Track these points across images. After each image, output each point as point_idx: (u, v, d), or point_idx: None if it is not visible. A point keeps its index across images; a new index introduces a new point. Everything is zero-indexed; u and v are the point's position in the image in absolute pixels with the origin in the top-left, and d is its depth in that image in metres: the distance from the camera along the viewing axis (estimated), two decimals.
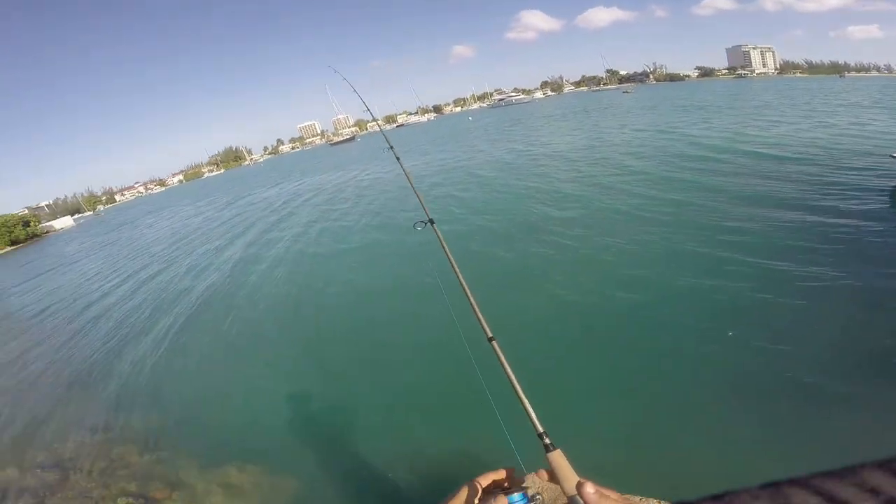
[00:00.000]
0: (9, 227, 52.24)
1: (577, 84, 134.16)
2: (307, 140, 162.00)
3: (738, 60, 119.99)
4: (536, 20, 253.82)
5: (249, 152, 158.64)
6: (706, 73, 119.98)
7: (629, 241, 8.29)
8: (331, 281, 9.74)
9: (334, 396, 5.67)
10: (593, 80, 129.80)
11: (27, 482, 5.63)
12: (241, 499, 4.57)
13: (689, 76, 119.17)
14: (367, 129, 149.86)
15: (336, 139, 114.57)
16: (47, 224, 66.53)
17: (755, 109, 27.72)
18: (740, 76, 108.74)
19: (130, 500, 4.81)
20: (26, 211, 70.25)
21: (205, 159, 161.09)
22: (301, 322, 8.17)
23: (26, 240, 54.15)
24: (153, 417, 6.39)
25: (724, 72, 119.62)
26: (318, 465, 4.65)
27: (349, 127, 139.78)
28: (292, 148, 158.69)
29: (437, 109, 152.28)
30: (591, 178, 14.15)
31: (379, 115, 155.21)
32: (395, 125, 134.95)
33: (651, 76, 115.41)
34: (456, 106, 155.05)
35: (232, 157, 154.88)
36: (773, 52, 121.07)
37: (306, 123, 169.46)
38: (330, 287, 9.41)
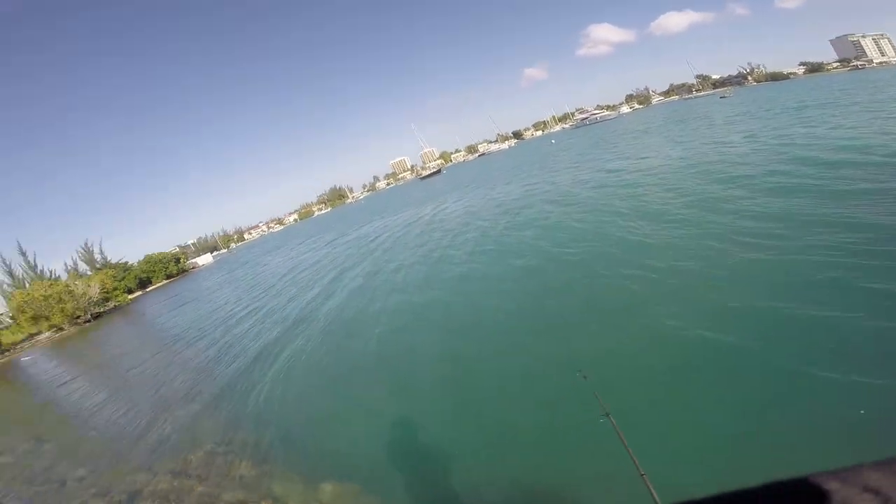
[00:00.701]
0: (165, 264, 64.22)
1: (666, 94, 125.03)
2: (399, 175, 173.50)
3: (848, 51, 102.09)
4: (606, 33, 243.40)
5: (351, 190, 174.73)
6: (814, 68, 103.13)
7: (739, 269, 7.17)
8: (435, 315, 9.56)
9: (434, 430, 5.62)
10: (683, 88, 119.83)
11: (157, 485, 6.45)
12: None
13: (794, 74, 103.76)
14: (451, 160, 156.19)
15: (424, 173, 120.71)
16: (192, 261, 79.86)
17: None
18: (857, 68, 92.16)
19: None
20: (177, 249, 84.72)
21: (314, 198, 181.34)
22: (408, 355, 8.08)
23: (177, 274, 65.39)
24: (267, 434, 6.90)
25: (834, 65, 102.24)
26: (410, 492, 4.73)
27: (435, 160, 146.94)
28: (387, 184, 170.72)
29: (516, 135, 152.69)
30: (694, 195, 12.49)
31: (461, 146, 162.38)
32: (476, 155, 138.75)
33: (749, 77, 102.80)
34: (536, 129, 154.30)
35: (336, 196, 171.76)
36: (888, 39, 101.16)
37: (397, 159, 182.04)
38: (435, 320, 9.23)
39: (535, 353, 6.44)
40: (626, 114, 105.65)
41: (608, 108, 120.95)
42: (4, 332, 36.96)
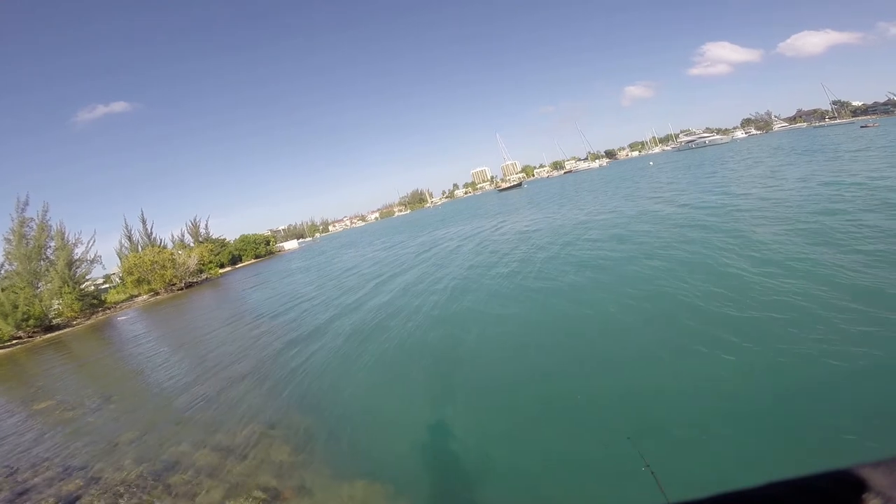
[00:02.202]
0: (256, 245, 70.00)
1: (792, 120, 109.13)
2: (478, 185, 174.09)
3: None
4: (725, 52, 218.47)
5: (430, 195, 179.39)
6: None
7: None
8: (493, 326, 9.19)
9: (480, 442, 5.36)
10: (814, 115, 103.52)
11: (198, 459, 6.47)
12: None
13: None
14: (533, 174, 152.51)
15: (504, 185, 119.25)
16: (280, 245, 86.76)
17: None
18: None
19: (263, 494, 5.27)
20: (269, 232, 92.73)
21: (396, 199, 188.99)
22: (466, 365, 7.79)
23: (266, 255, 71.43)
24: (313, 422, 6.92)
25: None
26: (442, 494, 4.63)
27: (517, 173, 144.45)
28: (465, 193, 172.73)
29: (609, 154, 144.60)
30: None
31: (546, 161, 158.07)
32: (562, 171, 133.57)
33: None
34: (633, 150, 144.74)
35: (417, 199, 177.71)
36: None
37: (478, 169, 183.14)
38: (498, 332, 8.84)
39: (607, 387, 5.78)
40: (741, 139, 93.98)
41: (719, 131, 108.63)
42: (111, 290, 42.19)
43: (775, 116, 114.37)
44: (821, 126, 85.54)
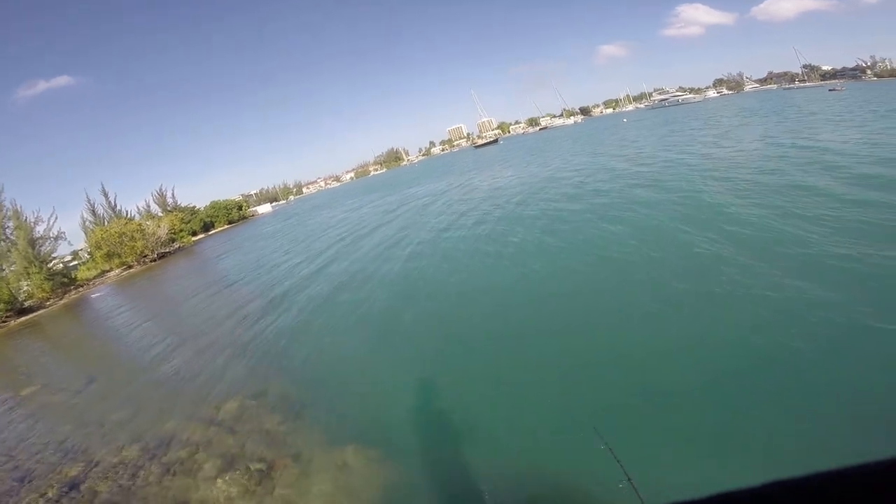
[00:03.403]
0: (228, 210, 68.48)
1: (763, 81, 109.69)
2: (455, 142, 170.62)
3: None
4: (699, 14, 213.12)
5: (407, 153, 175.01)
6: None
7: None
8: (484, 283, 9.60)
9: (468, 406, 5.54)
10: (785, 77, 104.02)
11: (190, 434, 6.66)
12: (349, 480, 4.84)
13: None
14: (509, 131, 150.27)
15: (480, 142, 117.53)
16: (253, 209, 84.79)
17: None
18: None
19: (258, 465, 5.45)
20: (240, 197, 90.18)
21: (371, 159, 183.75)
22: (452, 326, 8.00)
23: (239, 220, 70.09)
24: (302, 391, 7.06)
25: None
26: (426, 465, 4.77)
27: (493, 129, 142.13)
28: (442, 150, 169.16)
29: (584, 111, 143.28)
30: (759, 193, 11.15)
31: (521, 118, 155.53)
32: (538, 128, 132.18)
33: (869, 72, 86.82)
34: (607, 107, 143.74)
35: (393, 158, 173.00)
36: None
37: (454, 126, 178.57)
38: (483, 289, 9.25)
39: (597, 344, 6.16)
40: (713, 98, 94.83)
41: (692, 90, 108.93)
42: (81, 267, 41.19)
43: (747, 77, 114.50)
44: (790, 88, 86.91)
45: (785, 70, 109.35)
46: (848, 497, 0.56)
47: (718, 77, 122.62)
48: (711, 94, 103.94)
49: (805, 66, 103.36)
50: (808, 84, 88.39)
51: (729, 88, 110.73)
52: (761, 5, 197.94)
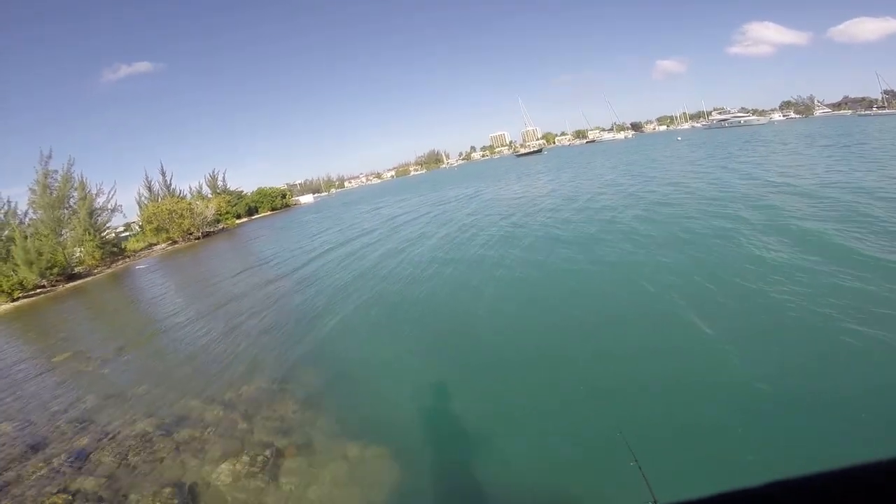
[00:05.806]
0: (273, 198, 70.82)
1: (836, 106, 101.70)
2: (496, 149, 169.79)
3: None
4: (769, 33, 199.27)
5: (447, 156, 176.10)
6: None
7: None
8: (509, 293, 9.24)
9: (482, 410, 5.40)
10: (862, 103, 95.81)
11: (205, 414, 6.69)
12: (353, 474, 4.81)
13: None
14: (554, 142, 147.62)
15: (522, 150, 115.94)
16: (296, 198, 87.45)
17: None
18: None
19: (264, 451, 5.40)
20: (285, 186, 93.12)
21: (412, 158, 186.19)
22: (482, 331, 7.74)
23: (281, 208, 72.60)
24: (322, 380, 7.05)
25: None
26: (441, 466, 4.68)
27: (537, 139, 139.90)
28: (482, 156, 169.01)
29: (635, 127, 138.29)
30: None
31: (568, 129, 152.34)
32: (584, 141, 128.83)
33: None
34: (660, 124, 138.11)
35: (433, 160, 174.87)
36: None
37: (497, 133, 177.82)
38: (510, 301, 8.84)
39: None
40: (778, 122, 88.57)
41: (755, 112, 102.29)
42: (130, 239, 43.56)
43: (818, 101, 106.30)
44: (865, 115, 79.31)
45: (863, 95, 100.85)
46: (849, 497, 0.57)
47: (786, 99, 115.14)
48: (777, 116, 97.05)
49: (886, 92, 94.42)
50: (887, 111, 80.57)
51: (797, 112, 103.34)
52: (840, 26, 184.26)
